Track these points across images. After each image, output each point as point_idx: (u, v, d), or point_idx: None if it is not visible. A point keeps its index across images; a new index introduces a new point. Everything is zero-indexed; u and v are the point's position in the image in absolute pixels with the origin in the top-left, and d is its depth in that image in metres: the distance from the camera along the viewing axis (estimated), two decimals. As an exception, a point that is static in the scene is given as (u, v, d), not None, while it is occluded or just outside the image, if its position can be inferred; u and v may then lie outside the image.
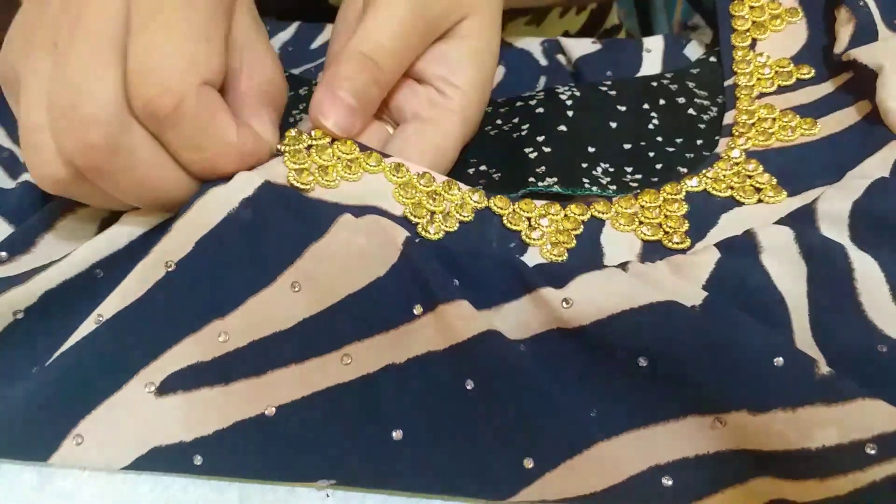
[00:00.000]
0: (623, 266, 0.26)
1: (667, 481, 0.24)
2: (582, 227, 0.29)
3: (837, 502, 0.22)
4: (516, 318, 0.25)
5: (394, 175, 0.28)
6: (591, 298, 0.25)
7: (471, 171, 0.33)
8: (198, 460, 0.24)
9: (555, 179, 0.31)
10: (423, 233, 0.27)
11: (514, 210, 0.29)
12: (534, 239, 0.28)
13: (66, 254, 0.27)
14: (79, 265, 0.26)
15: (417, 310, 0.25)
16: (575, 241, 0.28)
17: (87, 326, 0.25)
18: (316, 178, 0.27)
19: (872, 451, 0.22)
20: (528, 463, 0.24)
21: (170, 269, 0.25)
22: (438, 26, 0.31)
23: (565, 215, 0.29)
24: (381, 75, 0.29)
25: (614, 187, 0.31)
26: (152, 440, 0.25)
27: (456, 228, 0.28)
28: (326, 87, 0.29)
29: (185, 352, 0.25)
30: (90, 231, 0.29)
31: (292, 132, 0.28)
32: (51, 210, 0.28)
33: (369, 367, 0.25)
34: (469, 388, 0.24)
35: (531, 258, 0.28)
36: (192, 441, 0.24)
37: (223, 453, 0.24)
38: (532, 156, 0.32)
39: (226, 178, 0.26)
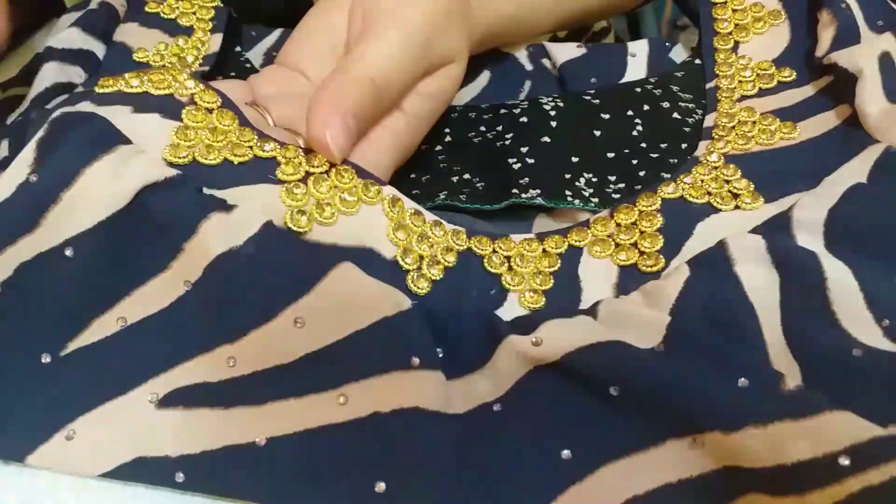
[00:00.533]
0: (594, 307, 0.27)
1: None
2: (559, 262, 0.29)
3: None
4: (497, 373, 0.26)
5: (390, 210, 0.28)
6: (559, 335, 0.25)
7: (455, 178, 0.33)
8: (179, 477, 0.24)
9: (538, 192, 0.31)
10: (413, 286, 0.28)
11: (493, 250, 0.29)
12: (512, 286, 0.29)
13: (27, 221, 0.25)
14: (50, 240, 0.25)
15: (415, 362, 0.25)
16: (552, 281, 0.29)
17: (109, 325, 0.25)
18: (313, 217, 0.27)
19: (846, 463, 0.22)
20: None
21: (188, 289, 0.25)
22: (434, 65, 0.32)
23: (544, 250, 0.29)
24: (383, 104, 0.30)
25: (596, 200, 0.31)
26: (140, 450, 0.25)
27: (442, 277, 0.28)
28: (333, 109, 0.28)
29: (194, 369, 0.25)
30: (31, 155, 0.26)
31: (289, 155, 0.28)
32: None
33: (361, 411, 0.25)
34: (448, 447, 0.25)
35: (510, 306, 0.28)
36: (178, 457, 0.25)
37: (206, 474, 0.25)
38: (516, 167, 0.33)
39: (227, 206, 0.26)
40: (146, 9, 0.38)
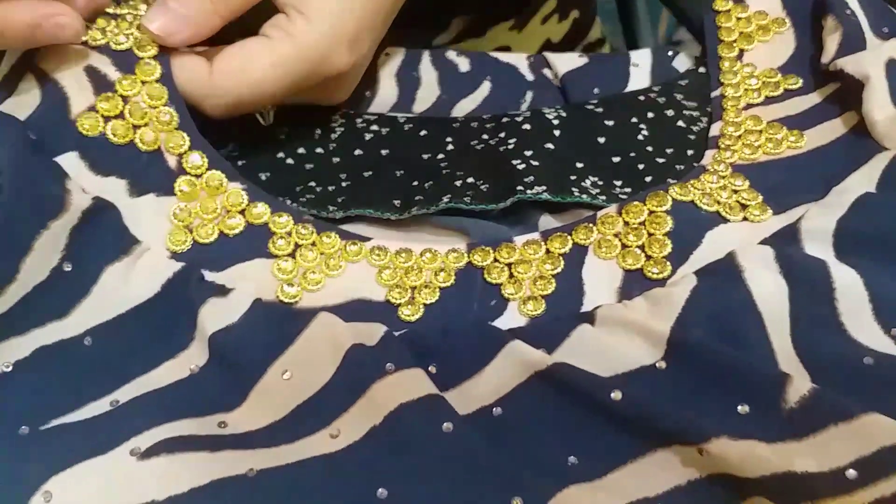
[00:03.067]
0: (592, 313, 0.27)
1: None
2: (563, 263, 0.29)
3: None
4: (496, 378, 0.26)
5: (375, 259, 0.29)
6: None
7: (458, 182, 0.33)
8: None
9: (543, 188, 0.31)
10: (402, 316, 0.28)
11: (494, 260, 0.29)
12: (512, 295, 0.29)
13: (59, 309, 0.27)
14: (74, 328, 0.27)
15: (390, 367, 0.25)
16: (555, 284, 0.28)
17: (100, 407, 0.26)
18: (302, 286, 0.29)
19: (854, 476, 0.22)
20: (517, 503, 0.23)
21: (193, 373, 0.26)
22: None
23: (547, 251, 0.29)
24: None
25: (604, 198, 0.31)
26: (123, 500, 0.24)
27: (437, 298, 0.29)
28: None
29: (181, 427, 0.25)
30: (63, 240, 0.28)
31: (279, 224, 0.30)
32: (25, 232, 0.28)
33: (355, 436, 0.25)
34: (448, 430, 0.24)
35: (510, 315, 0.28)
36: (165, 500, 0.24)
37: None
38: (520, 167, 0.32)
39: (224, 291, 0.28)
40: None
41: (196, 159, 0.31)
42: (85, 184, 0.29)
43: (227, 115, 0.33)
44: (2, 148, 0.27)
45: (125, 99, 0.30)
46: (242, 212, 0.30)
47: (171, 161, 0.30)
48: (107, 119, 0.30)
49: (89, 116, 0.30)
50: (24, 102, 0.30)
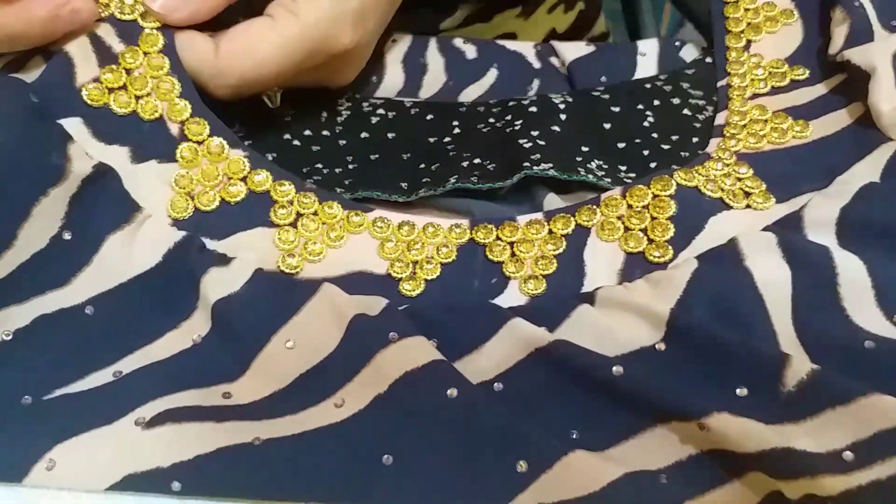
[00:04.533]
0: (592, 294, 0.27)
1: (663, 479, 0.24)
2: (565, 244, 0.29)
3: (830, 501, 0.22)
4: (497, 353, 0.26)
5: (376, 230, 0.30)
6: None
7: (465, 164, 0.33)
8: (176, 486, 0.24)
9: (550, 165, 0.31)
10: (404, 291, 0.28)
11: (497, 237, 0.29)
12: (514, 273, 0.29)
13: (60, 278, 0.27)
14: (75, 297, 0.27)
15: (393, 336, 0.25)
16: (556, 264, 0.29)
17: (104, 377, 0.26)
18: (304, 257, 0.29)
19: (850, 458, 0.22)
20: (522, 466, 0.24)
21: (195, 343, 0.27)
22: None
23: (550, 231, 0.29)
24: None
25: (609, 180, 0.31)
26: (128, 467, 0.24)
27: (438, 274, 0.29)
28: None
29: (185, 399, 0.25)
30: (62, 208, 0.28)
31: (280, 191, 0.30)
32: (24, 197, 0.28)
33: (360, 404, 0.25)
34: (452, 395, 0.25)
35: (511, 293, 0.28)
36: (170, 466, 0.24)
37: (203, 478, 0.24)
38: (527, 146, 0.32)
39: (225, 260, 0.28)
40: None
41: (197, 126, 0.31)
42: (89, 150, 0.29)
43: (234, 97, 0.33)
44: (4, 110, 0.27)
45: (128, 71, 0.31)
46: (244, 179, 0.30)
47: (174, 129, 0.31)
48: (110, 90, 0.30)
49: (94, 87, 0.30)
50: (30, 67, 0.31)
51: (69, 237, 0.27)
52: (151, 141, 0.30)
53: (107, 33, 0.31)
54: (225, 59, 0.32)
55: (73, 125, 0.29)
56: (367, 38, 0.35)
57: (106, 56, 0.31)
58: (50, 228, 0.27)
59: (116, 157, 0.30)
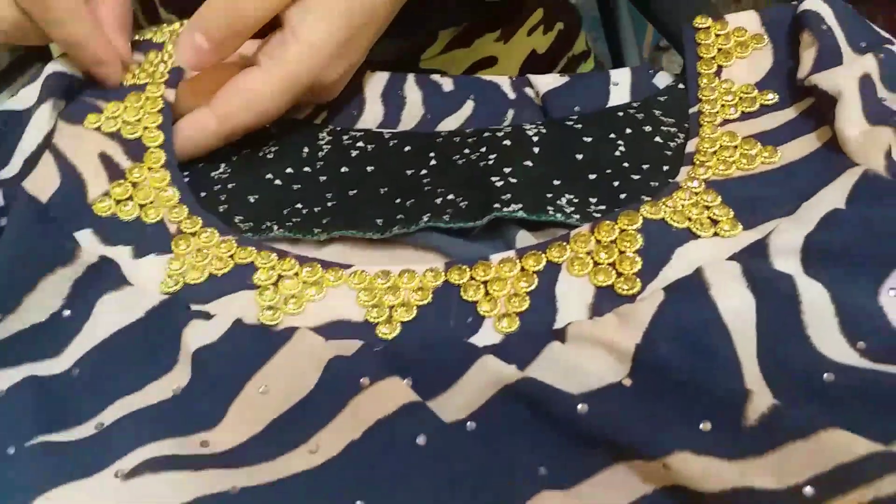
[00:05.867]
0: (563, 330, 0.27)
1: None
2: (536, 280, 0.29)
3: None
4: (469, 391, 0.26)
5: (354, 281, 0.30)
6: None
7: (438, 200, 0.33)
8: None
9: (520, 206, 0.31)
10: (379, 334, 0.29)
11: (470, 278, 0.30)
12: (488, 312, 0.29)
13: (54, 350, 0.28)
14: (64, 364, 0.28)
15: (364, 381, 0.26)
16: (529, 301, 0.29)
17: (87, 430, 0.27)
18: (283, 310, 0.30)
19: (811, 494, 0.22)
20: None
21: (175, 394, 0.27)
22: None
23: (522, 268, 0.30)
24: (239, 20, 0.33)
25: (578, 216, 0.32)
26: None
27: (414, 316, 0.29)
28: (188, 29, 0.34)
29: (164, 448, 0.26)
30: (66, 288, 0.30)
31: (263, 259, 0.31)
32: (33, 270, 0.30)
33: (334, 451, 0.25)
34: (421, 443, 0.25)
35: (486, 332, 0.29)
36: None
37: None
38: (498, 184, 0.33)
39: (207, 315, 0.29)
40: None
41: (191, 222, 0.33)
42: (96, 250, 0.31)
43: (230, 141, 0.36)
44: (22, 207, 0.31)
45: (134, 185, 0.34)
46: (231, 256, 0.32)
47: (172, 228, 0.33)
48: (118, 202, 0.34)
49: (103, 200, 0.33)
50: (46, 180, 0.34)
51: (68, 314, 0.29)
52: (152, 239, 0.33)
53: (115, 151, 0.35)
54: (226, 122, 0.35)
55: (84, 236, 0.32)
56: (354, 63, 0.37)
57: (114, 172, 0.34)
58: (52, 304, 0.29)
59: (120, 254, 0.32)
